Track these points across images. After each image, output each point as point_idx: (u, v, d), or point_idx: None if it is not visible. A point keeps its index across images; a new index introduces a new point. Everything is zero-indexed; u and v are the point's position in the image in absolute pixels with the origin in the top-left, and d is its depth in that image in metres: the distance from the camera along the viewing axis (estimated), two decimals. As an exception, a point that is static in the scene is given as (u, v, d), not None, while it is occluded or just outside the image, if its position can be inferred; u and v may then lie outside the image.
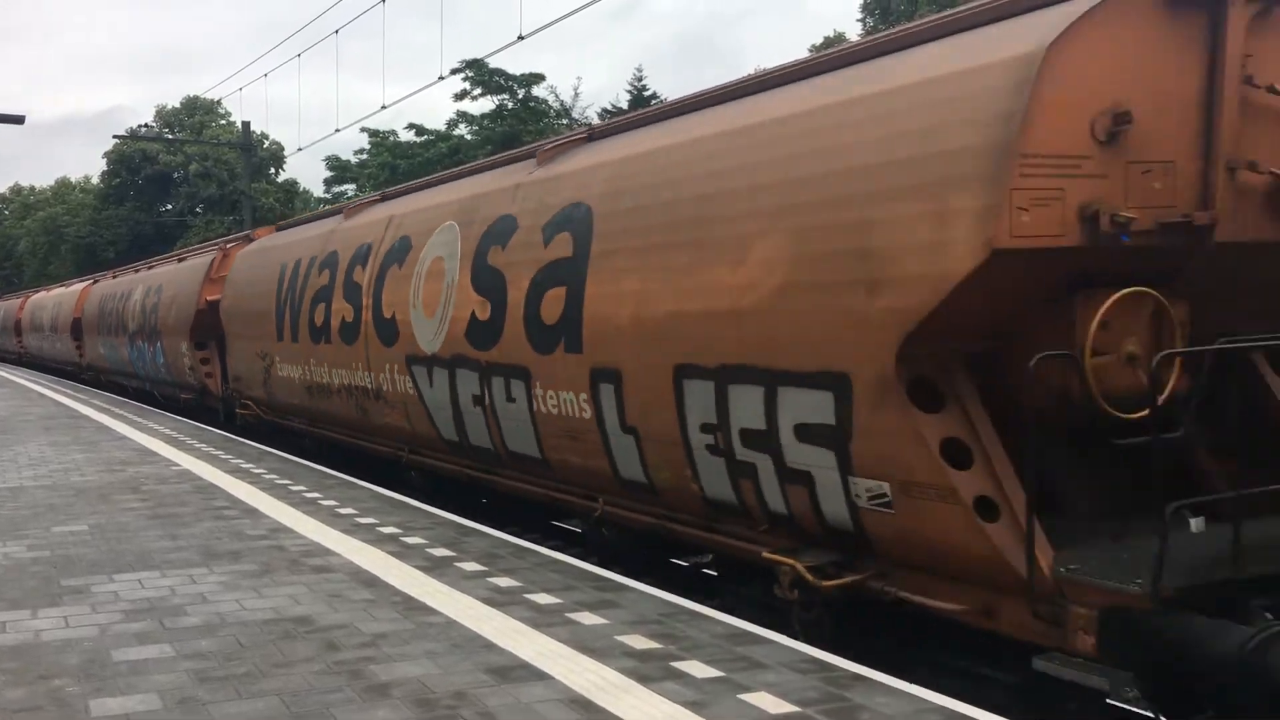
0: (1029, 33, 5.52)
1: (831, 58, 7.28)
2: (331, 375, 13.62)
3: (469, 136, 44.97)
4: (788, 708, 4.97)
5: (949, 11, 6.71)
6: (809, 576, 6.63)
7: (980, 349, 5.90)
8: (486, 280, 9.74)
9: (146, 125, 76.28)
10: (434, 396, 10.88)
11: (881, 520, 6.19)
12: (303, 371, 14.65)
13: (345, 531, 9.23)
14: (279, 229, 19.27)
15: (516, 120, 43.46)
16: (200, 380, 20.56)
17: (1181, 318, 5.80)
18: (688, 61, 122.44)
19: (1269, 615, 4.93)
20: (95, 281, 35.82)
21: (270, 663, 5.69)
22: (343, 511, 10.21)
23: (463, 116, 45.83)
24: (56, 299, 40.03)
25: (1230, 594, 5.14)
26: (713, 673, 5.47)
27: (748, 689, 5.22)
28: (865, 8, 46.98)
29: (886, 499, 6.11)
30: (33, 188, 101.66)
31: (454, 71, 41.48)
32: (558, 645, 5.94)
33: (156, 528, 9.46)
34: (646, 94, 46.06)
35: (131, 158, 72.48)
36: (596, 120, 44.38)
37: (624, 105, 44.83)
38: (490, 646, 5.94)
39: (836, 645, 6.15)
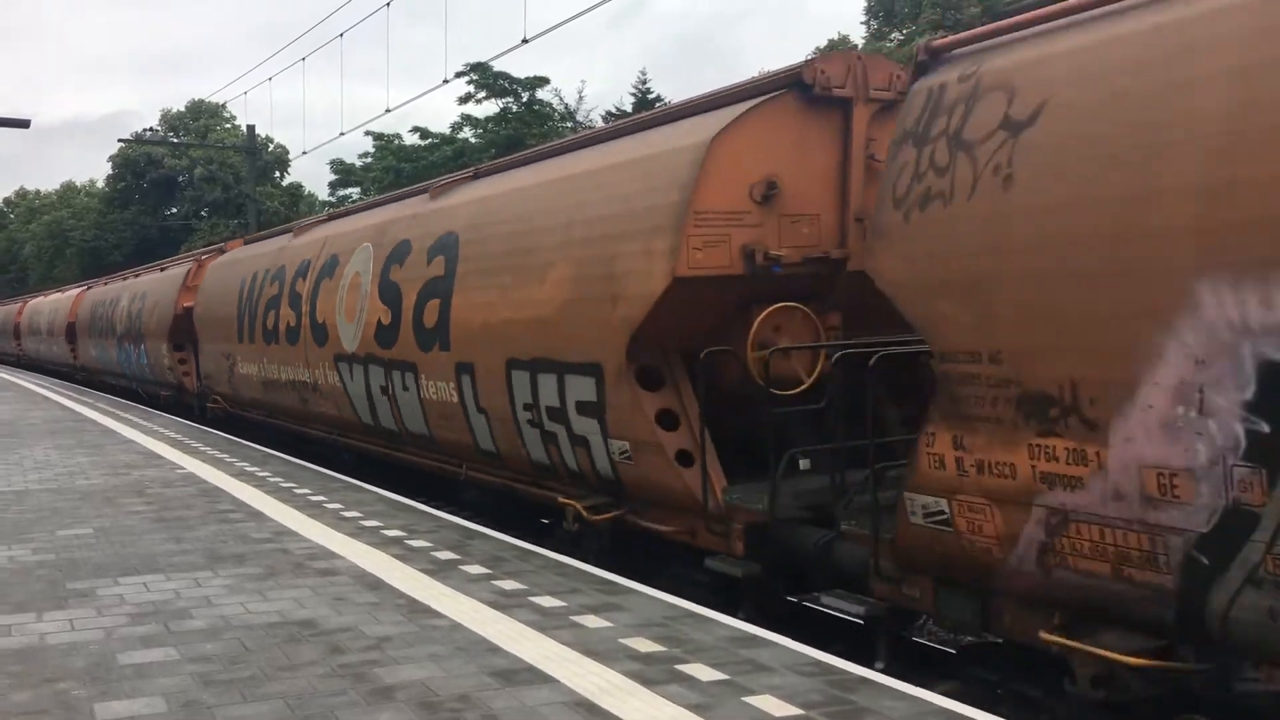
0: (705, 127, 7.97)
1: (607, 131, 10.33)
2: (280, 372, 15.91)
3: (473, 140, 44.97)
4: (792, 710, 4.96)
5: (672, 105, 9.76)
6: (585, 514, 8.97)
7: (694, 346, 7.98)
8: (389, 292, 11.99)
9: (151, 129, 76.35)
10: (354, 388, 13.17)
11: (628, 470, 8.50)
12: (258, 369, 16.90)
13: (350, 535, 9.24)
14: (245, 243, 21.33)
15: (521, 123, 43.46)
16: (178, 378, 22.79)
17: (833, 324, 8.12)
18: (690, 63, 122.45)
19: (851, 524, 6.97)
20: (89, 288, 37.69)
21: (275, 666, 5.70)
22: (347, 515, 10.22)
23: (467, 120, 45.82)
24: (53, 304, 42.37)
25: (830, 513, 7.25)
26: (717, 675, 5.47)
27: (752, 692, 5.22)
28: (869, 10, 47.00)
29: (629, 454, 8.39)
30: (38, 191, 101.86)
31: (458, 75, 41.48)
32: (562, 648, 5.94)
33: (161, 531, 9.47)
34: (651, 96, 46.08)
35: (136, 161, 72.57)
36: (600, 122, 44.45)
37: (628, 108, 44.85)
38: (495, 649, 5.94)
39: (609, 565, 8.19)
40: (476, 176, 11.81)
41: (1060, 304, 5.29)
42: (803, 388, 7.74)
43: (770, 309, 7.89)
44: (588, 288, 8.59)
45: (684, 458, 7.98)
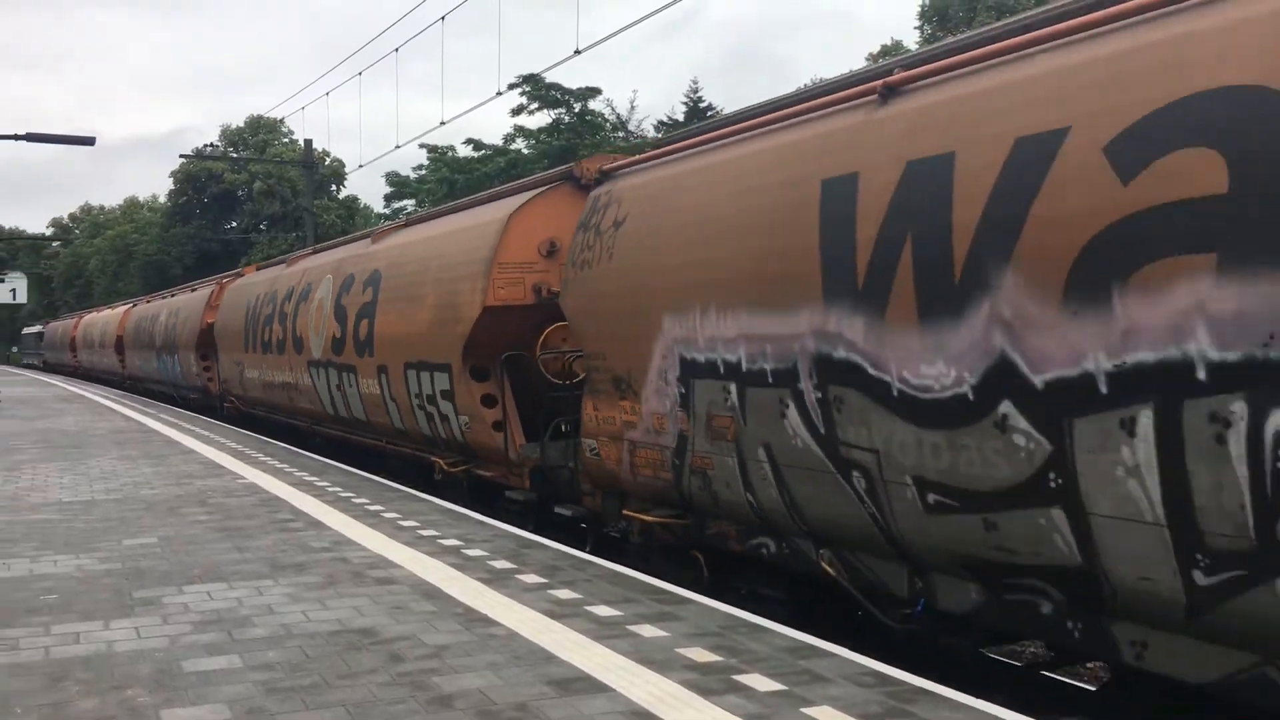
0: (508, 206, 11.89)
1: (465, 203, 14.49)
2: (274, 375, 19.99)
3: (526, 151, 45.24)
4: (850, 721, 4.93)
5: (493, 190, 14.57)
6: (446, 467, 13.02)
7: (511, 352, 11.49)
8: (340, 313, 15.92)
9: (212, 144, 77.73)
10: (320, 386, 17.14)
11: (469, 435, 12.19)
12: (259, 373, 21.09)
13: (407, 544, 9.32)
14: (258, 269, 25.80)
15: (573, 134, 43.65)
16: (204, 383, 27.34)
17: None
18: (742, 72, 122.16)
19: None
20: (134, 305, 42.78)
21: (336, 674, 5.75)
22: (404, 524, 10.31)
23: (520, 131, 46.12)
24: (104, 319, 47.76)
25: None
26: (774, 686, 5.44)
27: (810, 703, 5.18)
28: (923, 15, 46.63)
29: (469, 424, 12.08)
30: (102, 207, 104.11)
31: (511, 86, 41.76)
32: (619, 658, 5.94)
33: (224, 540, 9.61)
34: (702, 105, 46.07)
35: (197, 176, 73.85)
36: (653, 132, 44.50)
37: (680, 117, 44.88)
38: (551, 658, 5.96)
39: (467, 503, 11.97)
40: (407, 225, 15.87)
41: (624, 327, 9.00)
42: (576, 379, 10.83)
43: (554, 327, 11.26)
44: (443, 312, 12.25)
45: (498, 425, 11.67)
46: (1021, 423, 5.49)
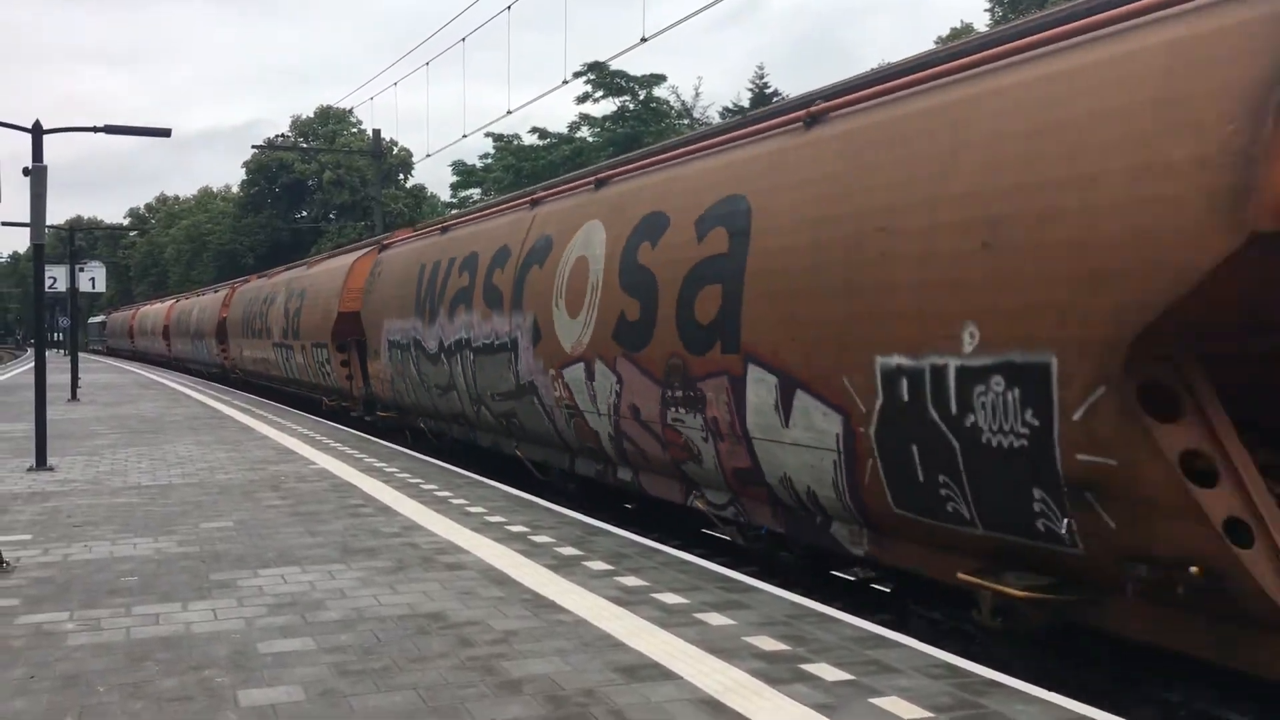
0: (352, 256, 22.06)
1: (343, 250, 26.52)
2: (258, 353, 29.70)
3: (591, 139, 45.31)
4: (920, 713, 4.89)
5: (344, 246, 34.29)
6: (328, 402, 22.86)
7: (356, 337, 19.99)
8: (286, 313, 25.30)
9: (283, 135, 78.88)
10: (280, 359, 26.56)
11: (337, 383, 21.64)
12: (251, 352, 31.02)
13: (475, 529, 9.41)
14: (258, 277, 36.03)
15: (638, 121, 43.64)
16: (220, 360, 37.53)
17: None
18: (807, 58, 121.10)
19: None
20: (178, 300, 54.18)
21: (406, 657, 5.83)
22: (472, 510, 10.41)
23: (585, 119, 46.20)
24: (155, 312, 59.77)
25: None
26: (843, 675, 5.42)
27: (879, 693, 5.15)
28: (993, -4, 45.70)
29: (336, 378, 21.62)
30: (177, 198, 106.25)
31: (577, 75, 41.87)
32: (686, 645, 5.95)
33: (297, 524, 9.78)
34: (769, 91, 45.76)
35: (269, 167, 75.01)
36: (717, 118, 44.30)
37: (745, 104, 44.62)
38: (619, 645, 5.98)
39: (343, 422, 21.48)
40: (329, 257, 25.36)
41: (375, 328, 17.97)
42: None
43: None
44: (324, 313, 21.29)
45: (349, 378, 20.37)
46: (444, 360, 14.19)
